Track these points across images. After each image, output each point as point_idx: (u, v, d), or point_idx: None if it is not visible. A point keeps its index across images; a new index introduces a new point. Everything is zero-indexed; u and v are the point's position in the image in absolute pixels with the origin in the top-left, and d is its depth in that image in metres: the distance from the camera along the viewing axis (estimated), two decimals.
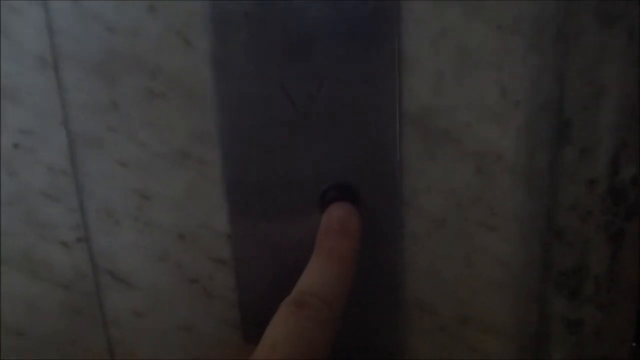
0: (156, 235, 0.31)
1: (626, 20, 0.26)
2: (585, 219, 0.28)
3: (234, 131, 0.28)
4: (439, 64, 0.27)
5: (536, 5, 0.26)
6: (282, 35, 0.27)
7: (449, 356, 0.32)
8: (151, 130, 0.29)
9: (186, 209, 0.30)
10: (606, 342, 0.31)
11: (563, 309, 0.30)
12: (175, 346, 0.32)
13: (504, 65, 0.27)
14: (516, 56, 0.27)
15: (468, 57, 0.27)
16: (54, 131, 0.29)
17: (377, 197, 0.29)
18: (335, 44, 0.27)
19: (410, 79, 0.28)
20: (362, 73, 0.27)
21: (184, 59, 0.28)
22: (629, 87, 0.27)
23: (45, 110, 0.29)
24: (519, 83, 0.27)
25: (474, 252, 0.30)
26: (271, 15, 0.27)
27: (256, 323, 0.27)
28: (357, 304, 0.28)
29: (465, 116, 0.28)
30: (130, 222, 0.30)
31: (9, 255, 0.31)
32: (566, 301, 0.30)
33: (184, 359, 0.32)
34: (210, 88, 0.28)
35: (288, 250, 0.30)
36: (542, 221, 0.29)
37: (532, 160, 0.28)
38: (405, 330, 0.31)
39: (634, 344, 0.32)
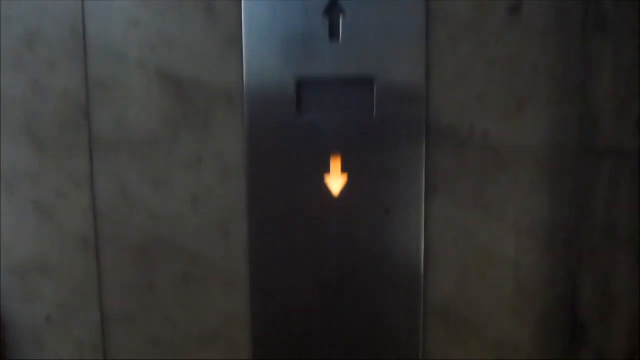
0: None
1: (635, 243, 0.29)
2: None
3: (266, 315, 0.30)
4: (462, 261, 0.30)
5: (550, 213, 0.29)
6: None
7: None
8: (184, 311, 0.30)
9: None
10: None
11: None
12: None
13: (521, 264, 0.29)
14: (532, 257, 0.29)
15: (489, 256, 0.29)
16: (87, 308, 0.30)
17: None
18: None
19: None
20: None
21: (222, 248, 0.29)
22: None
23: (81, 288, 0.30)
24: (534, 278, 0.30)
25: None
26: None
27: None
28: None
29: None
30: None
31: None
32: None
33: None
34: (245, 274, 0.30)
35: None
36: None
37: (549, 353, 0.30)
38: None
39: None
